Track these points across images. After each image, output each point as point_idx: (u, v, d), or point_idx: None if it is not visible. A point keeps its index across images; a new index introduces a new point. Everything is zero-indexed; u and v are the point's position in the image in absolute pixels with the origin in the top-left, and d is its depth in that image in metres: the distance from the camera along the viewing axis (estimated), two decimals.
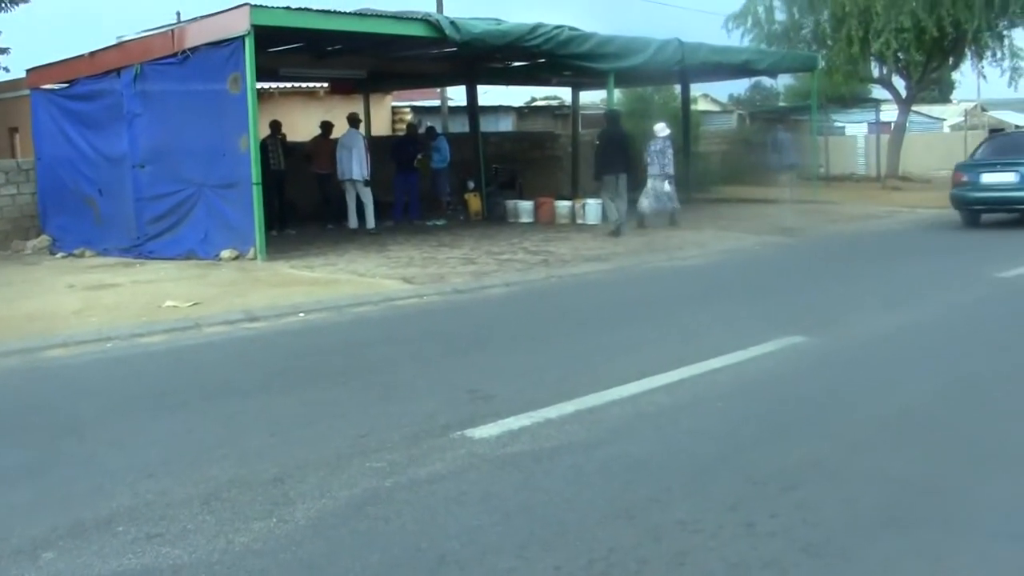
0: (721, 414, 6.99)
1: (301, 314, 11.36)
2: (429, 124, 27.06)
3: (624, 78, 23.71)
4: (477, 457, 6.00)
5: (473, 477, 5.67)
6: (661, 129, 20.50)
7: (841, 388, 7.69)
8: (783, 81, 42.51)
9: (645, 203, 20.13)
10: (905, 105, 34.52)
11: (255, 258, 15.46)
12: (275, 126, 21.36)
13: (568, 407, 6.99)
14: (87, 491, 5.60)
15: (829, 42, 32.25)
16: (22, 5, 23.25)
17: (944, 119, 55.32)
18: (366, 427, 6.64)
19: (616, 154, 19.51)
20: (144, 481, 5.71)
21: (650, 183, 20.18)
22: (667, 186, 20.17)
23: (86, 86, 18.60)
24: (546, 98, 39.97)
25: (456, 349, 9.60)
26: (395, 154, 22.96)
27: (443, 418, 6.79)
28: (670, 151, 20.21)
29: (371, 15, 17.48)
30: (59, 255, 17.79)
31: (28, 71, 20.31)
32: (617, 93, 27.04)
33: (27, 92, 20.56)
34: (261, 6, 15.06)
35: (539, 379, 7.94)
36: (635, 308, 11.83)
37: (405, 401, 7.34)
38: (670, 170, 20.03)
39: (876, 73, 34.44)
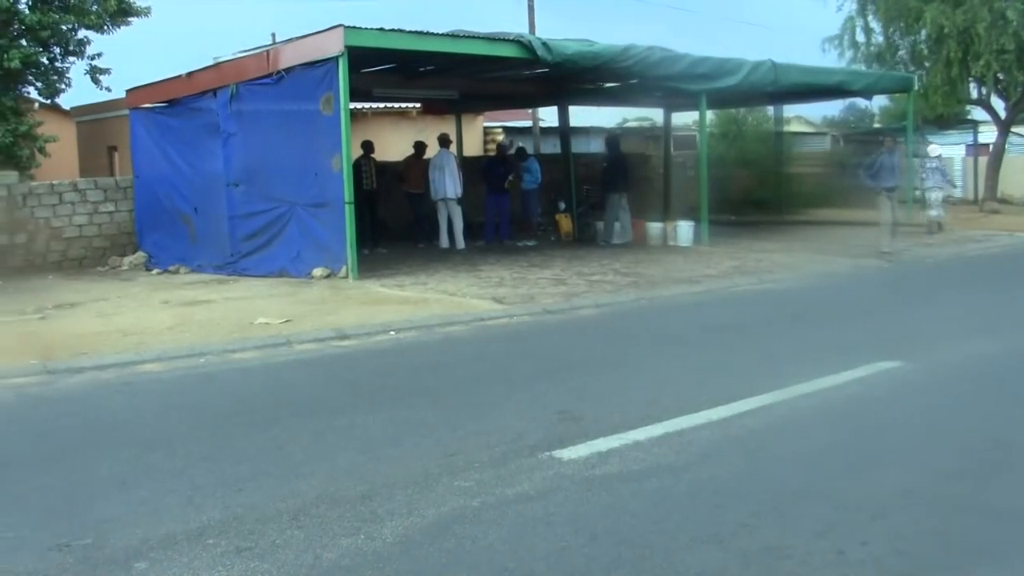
0: (811, 439, 6.90)
1: (391, 332, 11.39)
2: (520, 145, 27.05)
3: (716, 99, 23.50)
4: (565, 478, 5.97)
5: (561, 498, 5.64)
6: (934, 150, 24.85)
7: (934, 415, 7.55)
8: (878, 102, 41.88)
9: (933, 213, 23.65)
10: (1004, 127, 33.82)
11: (346, 276, 15.56)
12: (368, 146, 21.51)
13: (657, 430, 6.94)
14: (178, 504, 5.66)
15: (926, 63, 31.73)
16: (123, 27, 23.65)
17: None
18: (454, 446, 6.65)
19: (619, 175, 22.14)
20: (234, 496, 5.78)
21: (930, 195, 23.82)
22: (940, 194, 23.87)
23: (183, 106, 18.91)
24: (638, 119, 39.79)
25: (545, 369, 9.54)
26: (486, 174, 23.03)
27: (532, 438, 6.77)
28: (944, 168, 24.36)
29: (464, 36, 17.59)
30: (154, 271, 18.16)
31: (127, 91, 20.65)
32: (709, 114, 26.95)
33: (126, 112, 20.95)
34: (355, 27, 15.17)
35: (628, 401, 7.87)
36: (725, 331, 11.68)
37: (494, 421, 7.33)
38: (946, 185, 24.34)
39: (974, 94, 33.78)
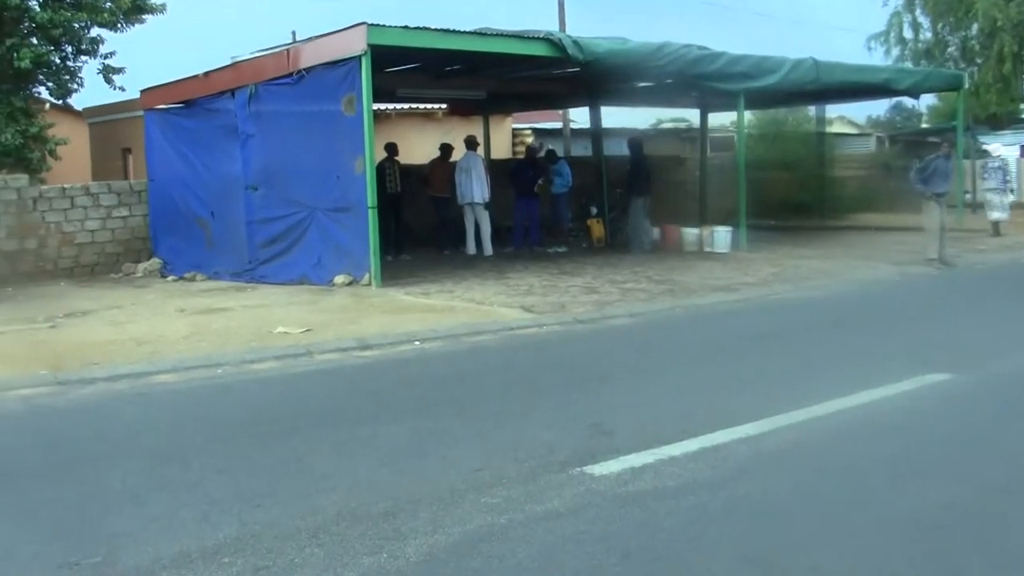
0: (852, 454, 6.68)
1: (416, 342, 11.15)
2: (550, 147, 26.76)
3: (756, 99, 23.17)
4: (597, 495, 5.76)
5: (592, 515, 5.44)
6: (996, 149, 25.63)
7: (985, 429, 7.32)
8: (927, 101, 41.34)
9: (996, 215, 23.17)
10: None
11: (369, 284, 15.29)
12: (391, 148, 21.22)
13: (692, 444, 6.70)
14: (192, 520, 5.50)
15: (978, 60, 31.23)
16: (137, 25, 23.42)
17: None
18: (481, 460, 6.44)
19: (642, 178, 21.68)
20: (251, 511, 5.61)
21: (993, 197, 23.54)
22: (1007, 197, 23.77)
23: (200, 107, 18.68)
24: (673, 120, 39.41)
25: (576, 381, 9.28)
26: (515, 178, 22.77)
27: (562, 453, 6.55)
28: (1007, 168, 24.38)
29: (491, 34, 17.27)
30: (170, 278, 17.96)
31: (142, 91, 20.33)
32: (748, 115, 26.56)
33: (140, 113, 20.67)
34: (378, 25, 14.91)
35: (662, 414, 7.66)
36: (763, 340, 11.42)
37: (522, 434, 7.12)
38: (1010, 185, 24.31)
39: None
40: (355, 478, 6.16)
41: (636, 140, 22.90)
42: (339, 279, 15.61)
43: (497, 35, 17.29)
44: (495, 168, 23.66)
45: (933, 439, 7.01)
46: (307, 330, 11.69)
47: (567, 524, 5.29)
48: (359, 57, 15.01)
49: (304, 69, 16.21)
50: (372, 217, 15.19)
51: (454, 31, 16.25)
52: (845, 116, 45.05)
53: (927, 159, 18.72)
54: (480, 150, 22.74)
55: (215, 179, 18.33)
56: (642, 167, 21.88)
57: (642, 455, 6.44)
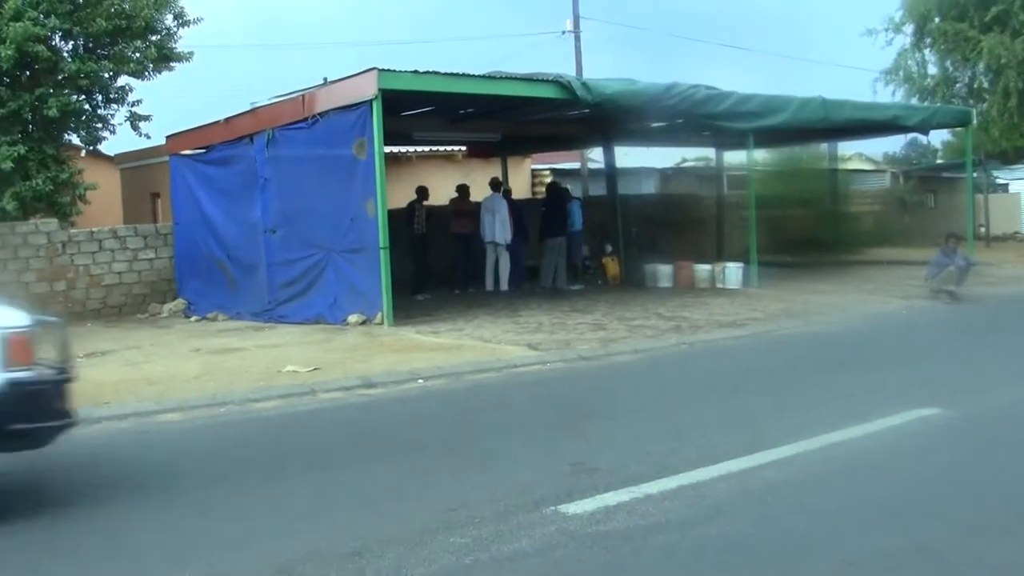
0: (831, 491, 6.63)
1: (420, 380, 11.21)
2: (563, 187, 26.85)
3: (767, 137, 23.25)
4: (566, 534, 5.74)
5: (558, 556, 5.42)
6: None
7: (966, 466, 7.26)
8: (941, 137, 41.26)
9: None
10: None
11: (382, 323, 15.39)
12: (422, 192, 21.34)
13: (672, 482, 6.69)
14: (162, 560, 5.55)
15: (986, 96, 31.27)
16: (164, 72, 23.65)
17: None
18: (458, 500, 6.44)
19: (558, 220, 22.38)
20: (222, 552, 5.65)
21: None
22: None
23: (221, 152, 18.97)
24: (697, 159, 39.50)
25: (569, 418, 9.33)
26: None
27: (539, 492, 6.54)
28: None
29: (500, 77, 17.45)
30: (193, 318, 18.18)
31: (167, 137, 20.77)
32: (762, 153, 26.61)
33: (167, 158, 21.01)
34: (389, 70, 15.06)
35: (648, 451, 7.63)
36: (762, 377, 11.41)
37: (504, 473, 7.14)
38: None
39: None
40: (332, 519, 6.16)
41: (554, 185, 23.94)
42: (353, 318, 15.74)
43: (506, 78, 17.45)
44: (523, 206, 23.81)
45: (914, 476, 6.95)
46: (315, 369, 11.78)
47: (532, 564, 5.28)
48: (371, 101, 15.17)
49: (319, 114, 16.42)
50: (384, 258, 15.28)
51: (463, 75, 16.42)
52: (863, 153, 44.92)
53: (936, 257, 18.60)
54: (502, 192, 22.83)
55: (235, 222, 18.56)
56: (557, 211, 22.47)
57: (619, 493, 6.42)
